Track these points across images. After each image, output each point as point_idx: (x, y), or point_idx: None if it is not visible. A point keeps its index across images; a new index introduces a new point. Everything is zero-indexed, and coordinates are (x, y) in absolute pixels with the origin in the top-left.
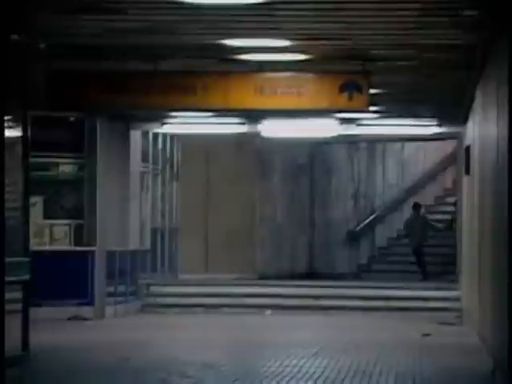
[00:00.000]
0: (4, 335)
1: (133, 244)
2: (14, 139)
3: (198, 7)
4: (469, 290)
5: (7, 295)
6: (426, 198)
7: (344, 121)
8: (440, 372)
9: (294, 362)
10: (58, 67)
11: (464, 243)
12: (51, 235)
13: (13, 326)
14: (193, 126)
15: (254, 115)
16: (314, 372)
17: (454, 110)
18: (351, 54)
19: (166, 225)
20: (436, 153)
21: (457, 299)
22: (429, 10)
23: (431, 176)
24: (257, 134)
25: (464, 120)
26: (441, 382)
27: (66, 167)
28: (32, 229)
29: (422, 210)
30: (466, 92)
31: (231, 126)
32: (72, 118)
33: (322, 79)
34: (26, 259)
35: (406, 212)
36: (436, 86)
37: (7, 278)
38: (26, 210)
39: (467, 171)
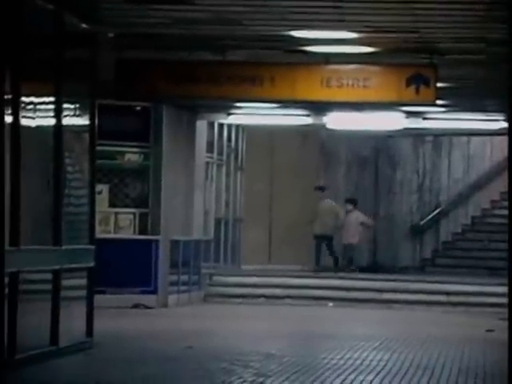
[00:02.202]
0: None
1: (196, 234)
2: (81, 127)
3: None
4: None
5: (72, 281)
6: (492, 193)
7: (410, 114)
8: (503, 368)
9: (356, 354)
10: (126, 57)
11: None
12: (116, 223)
13: (77, 312)
14: (258, 117)
15: (319, 107)
16: (377, 365)
17: None
18: (418, 46)
19: (230, 215)
20: (503, 148)
21: None
22: (498, 3)
23: (497, 171)
24: (322, 126)
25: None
26: (504, 377)
27: (131, 156)
28: (97, 216)
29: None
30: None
31: (296, 118)
32: (138, 107)
33: (388, 72)
34: (92, 246)
35: (472, 207)
36: (504, 80)
37: (73, 265)
38: (92, 197)
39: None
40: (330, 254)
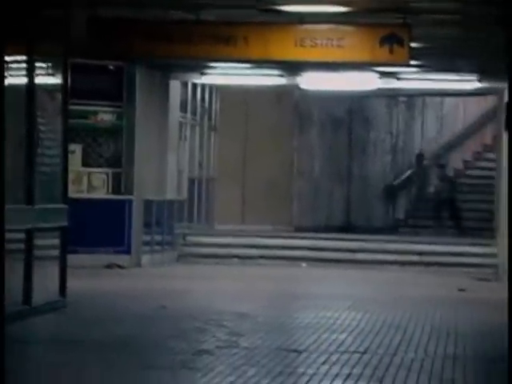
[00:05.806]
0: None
1: (170, 194)
2: (54, 86)
3: None
4: (506, 246)
5: (45, 241)
6: (465, 153)
7: (384, 74)
8: (475, 327)
9: (329, 314)
10: (99, 15)
11: (502, 200)
12: (89, 183)
13: (50, 272)
14: (232, 77)
15: (293, 67)
16: (349, 324)
17: (495, 66)
18: (392, 6)
19: (204, 175)
20: (476, 108)
21: (493, 255)
22: None
23: (470, 131)
24: (296, 87)
25: (506, 76)
26: (475, 336)
27: (104, 115)
28: (70, 176)
29: None
30: (508, 47)
31: (270, 78)
32: (111, 67)
33: (362, 32)
34: (65, 206)
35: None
36: (478, 40)
37: (46, 225)
38: (65, 157)
39: (507, 127)
40: None
